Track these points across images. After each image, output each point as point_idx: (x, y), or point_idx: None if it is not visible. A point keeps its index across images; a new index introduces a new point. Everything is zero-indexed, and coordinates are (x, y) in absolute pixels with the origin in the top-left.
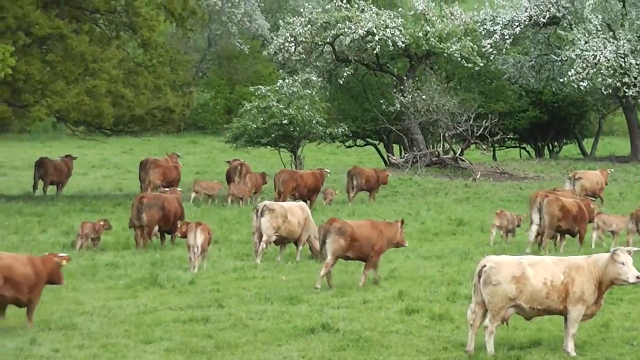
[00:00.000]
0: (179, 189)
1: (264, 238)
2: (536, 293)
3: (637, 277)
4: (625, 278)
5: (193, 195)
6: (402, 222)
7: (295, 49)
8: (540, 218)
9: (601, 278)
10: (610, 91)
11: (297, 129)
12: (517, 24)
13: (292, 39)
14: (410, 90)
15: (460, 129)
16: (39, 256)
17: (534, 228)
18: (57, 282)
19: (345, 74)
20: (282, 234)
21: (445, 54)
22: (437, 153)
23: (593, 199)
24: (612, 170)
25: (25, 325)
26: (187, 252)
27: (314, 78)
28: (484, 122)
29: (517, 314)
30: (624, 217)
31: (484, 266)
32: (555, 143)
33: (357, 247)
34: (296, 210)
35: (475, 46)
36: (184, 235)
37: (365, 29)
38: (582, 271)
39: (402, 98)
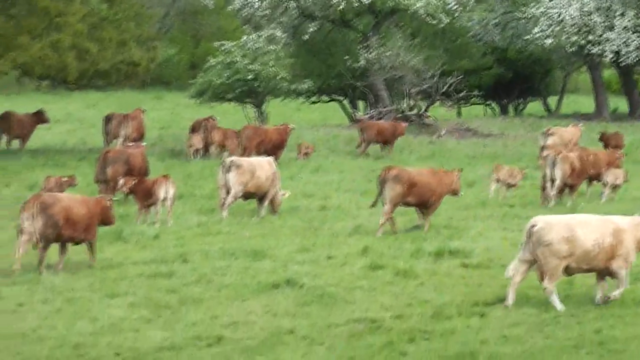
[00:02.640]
0: (143, 144)
1: (232, 193)
2: (587, 253)
3: None
4: None
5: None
6: (460, 170)
7: (259, 4)
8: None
9: None
10: (575, 49)
11: (262, 84)
12: None
13: None
14: (375, 46)
15: (425, 86)
16: (92, 197)
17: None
18: (108, 223)
19: (310, 30)
20: (250, 190)
21: (410, 11)
22: (401, 110)
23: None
24: (582, 125)
25: (89, 262)
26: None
27: (278, 34)
28: (448, 79)
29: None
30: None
31: (534, 226)
32: (520, 100)
33: (417, 193)
34: (264, 165)
35: (440, 3)
36: (131, 192)
37: None
38: (627, 234)
39: (367, 55)
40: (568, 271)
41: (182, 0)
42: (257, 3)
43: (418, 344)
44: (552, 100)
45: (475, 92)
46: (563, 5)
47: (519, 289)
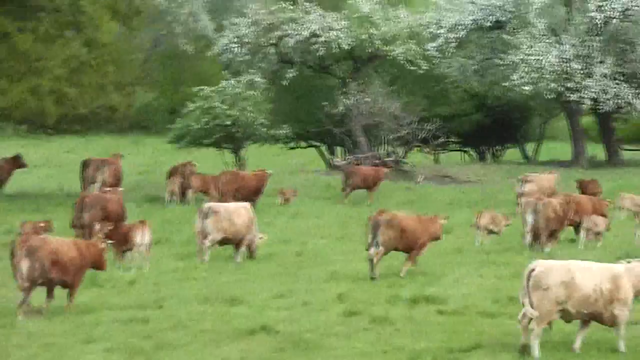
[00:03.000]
0: (120, 189)
1: (210, 238)
2: (585, 298)
3: None
4: None
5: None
6: (447, 217)
7: (239, 49)
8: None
9: (636, 286)
10: (554, 96)
11: (240, 130)
12: (461, 27)
13: (237, 39)
14: (354, 92)
15: (404, 132)
16: (84, 241)
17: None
18: (100, 267)
19: (289, 76)
20: (227, 236)
21: (389, 57)
22: (379, 156)
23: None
24: (556, 173)
25: (68, 304)
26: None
27: (258, 79)
28: (427, 125)
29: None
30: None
31: (533, 270)
32: (498, 147)
33: (405, 240)
34: (241, 211)
35: (419, 49)
36: (110, 238)
37: (310, 31)
38: (623, 280)
39: (345, 100)
40: (565, 317)
41: (162, 45)
42: (236, 49)
43: None
44: (530, 147)
45: (454, 139)
46: (542, 52)
47: (495, 335)
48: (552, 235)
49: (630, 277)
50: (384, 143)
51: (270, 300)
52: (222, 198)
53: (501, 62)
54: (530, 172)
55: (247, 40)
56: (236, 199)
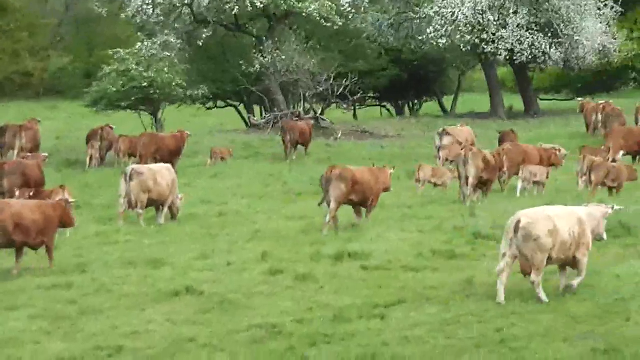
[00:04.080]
0: (44, 154)
1: (139, 205)
2: (564, 244)
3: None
4: (603, 235)
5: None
6: (394, 167)
7: (153, 11)
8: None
9: (594, 229)
10: (469, 48)
11: (157, 91)
12: None
13: (150, 1)
14: (269, 50)
15: (321, 89)
16: (50, 202)
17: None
18: (69, 225)
19: (204, 36)
20: (152, 197)
21: (304, 14)
22: (298, 113)
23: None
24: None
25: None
26: None
27: (172, 40)
28: (344, 81)
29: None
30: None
31: (519, 221)
32: (416, 101)
33: (360, 191)
34: (164, 172)
35: (334, 5)
36: None
37: None
38: (585, 223)
39: (261, 59)
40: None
41: (75, 9)
42: (150, 10)
43: (319, 348)
44: (448, 100)
45: (371, 94)
46: (456, 4)
47: (419, 289)
48: (485, 184)
49: (590, 220)
50: (302, 100)
51: (194, 261)
52: (141, 160)
53: (415, 16)
54: (449, 125)
55: (160, 0)
56: (155, 160)
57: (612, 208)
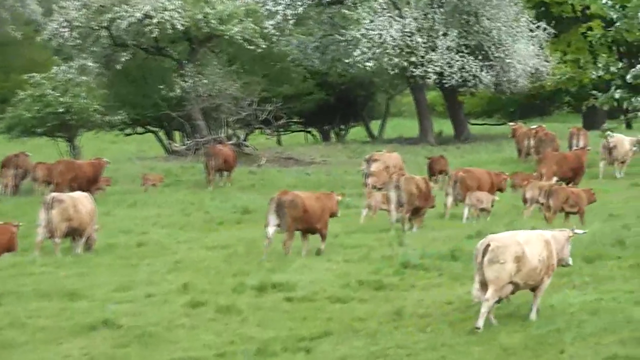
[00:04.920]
0: None
1: (58, 233)
2: (534, 270)
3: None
4: (568, 259)
5: None
6: (343, 194)
7: (70, 34)
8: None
9: (559, 253)
10: (397, 71)
11: (74, 117)
12: (299, 3)
13: (67, 23)
14: (191, 74)
15: (244, 114)
16: None
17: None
18: (12, 249)
19: (123, 59)
20: (73, 225)
21: (226, 37)
22: (219, 139)
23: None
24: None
25: None
26: None
27: (90, 64)
28: (268, 106)
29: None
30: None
31: (488, 245)
32: (342, 126)
33: (307, 219)
34: (84, 200)
35: (257, 27)
36: None
37: (143, 12)
38: (551, 245)
39: (182, 83)
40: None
41: None
42: (66, 33)
43: None
44: (376, 125)
45: (296, 119)
46: (384, 26)
47: (346, 321)
48: (417, 212)
49: (555, 244)
50: (224, 126)
51: (112, 293)
52: (57, 188)
53: (342, 38)
54: (376, 150)
55: (77, 23)
56: (72, 189)
57: (573, 231)
